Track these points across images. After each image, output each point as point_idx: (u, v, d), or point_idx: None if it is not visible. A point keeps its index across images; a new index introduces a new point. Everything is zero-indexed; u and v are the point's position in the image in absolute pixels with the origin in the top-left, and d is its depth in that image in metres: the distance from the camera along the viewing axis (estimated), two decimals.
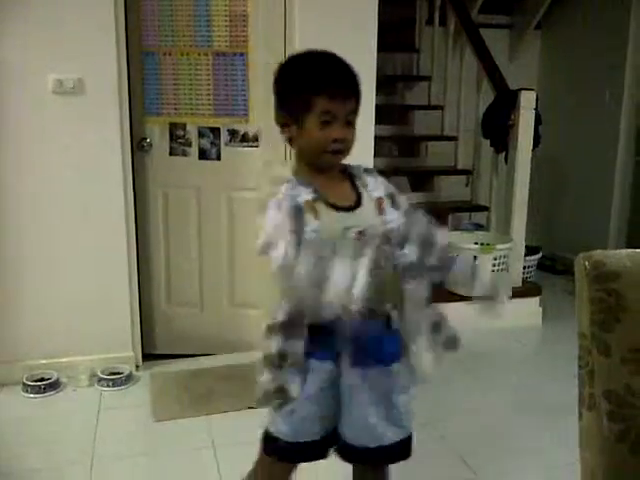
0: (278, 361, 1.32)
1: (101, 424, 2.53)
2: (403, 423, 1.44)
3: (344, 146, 1.33)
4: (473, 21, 4.40)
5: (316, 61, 1.38)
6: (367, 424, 1.39)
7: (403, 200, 1.41)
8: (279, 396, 1.34)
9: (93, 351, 2.89)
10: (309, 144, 1.33)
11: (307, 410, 1.36)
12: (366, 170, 1.42)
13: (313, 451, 1.43)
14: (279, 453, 1.43)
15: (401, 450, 1.45)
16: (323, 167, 1.36)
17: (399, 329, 1.42)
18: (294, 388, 1.33)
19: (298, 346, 1.31)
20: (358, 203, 1.36)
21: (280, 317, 1.33)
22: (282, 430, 1.39)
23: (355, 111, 1.34)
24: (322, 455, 1.45)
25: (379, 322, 1.37)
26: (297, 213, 1.28)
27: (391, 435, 1.41)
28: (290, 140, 1.37)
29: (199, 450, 2.33)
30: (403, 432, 1.45)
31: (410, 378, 1.45)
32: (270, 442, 1.43)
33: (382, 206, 1.36)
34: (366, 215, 1.35)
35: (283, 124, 1.37)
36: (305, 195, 1.30)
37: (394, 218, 1.37)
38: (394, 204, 1.39)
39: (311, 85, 1.31)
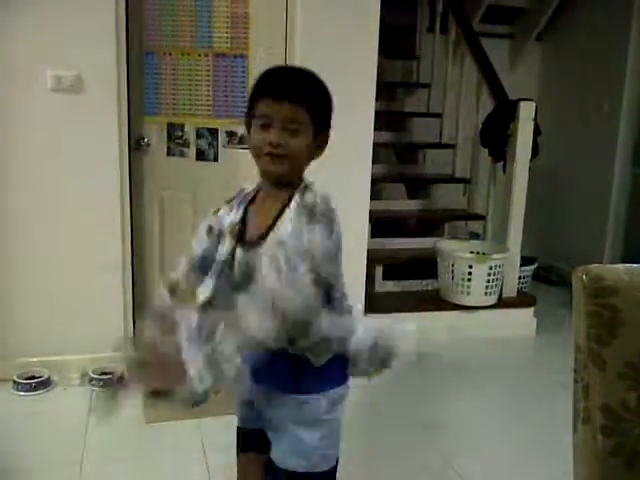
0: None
1: (92, 424, 2.51)
2: (311, 458, 1.35)
3: (280, 151, 1.28)
4: (474, 30, 4.40)
5: (272, 70, 1.38)
6: (275, 444, 1.39)
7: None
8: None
9: (85, 350, 2.87)
10: (252, 148, 1.33)
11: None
12: (301, 204, 1.28)
13: (253, 440, 1.47)
14: (237, 440, 1.54)
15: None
16: (265, 175, 1.34)
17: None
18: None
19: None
20: (264, 236, 1.29)
21: None
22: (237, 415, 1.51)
23: (299, 120, 1.29)
24: (265, 448, 1.42)
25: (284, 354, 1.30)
26: (207, 234, 1.40)
27: (294, 464, 1.35)
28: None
29: (189, 452, 2.33)
30: (308, 466, 1.35)
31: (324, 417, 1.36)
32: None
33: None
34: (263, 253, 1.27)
35: (246, 128, 1.38)
36: (231, 218, 1.37)
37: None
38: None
39: (255, 89, 1.34)
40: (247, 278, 1.28)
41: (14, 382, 2.75)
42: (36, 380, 2.76)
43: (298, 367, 1.33)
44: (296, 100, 1.29)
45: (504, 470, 2.33)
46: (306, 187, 1.32)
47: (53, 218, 2.80)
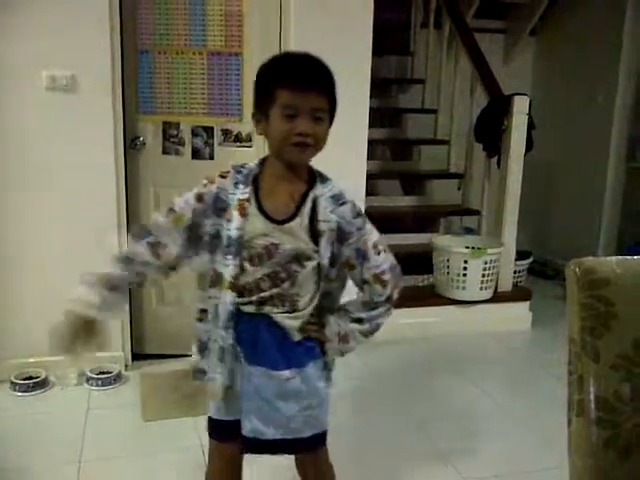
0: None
1: (89, 424, 2.52)
2: (289, 426, 1.43)
3: (310, 140, 1.32)
4: (468, 25, 4.41)
5: (287, 58, 1.42)
6: (248, 417, 1.44)
7: (350, 251, 1.41)
8: (199, 376, 1.49)
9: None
10: (275, 138, 1.34)
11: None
12: (334, 197, 1.39)
13: (228, 430, 1.50)
14: (209, 430, 1.57)
15: (283, 447, 1.47)
16: (291, 163, 1.37)
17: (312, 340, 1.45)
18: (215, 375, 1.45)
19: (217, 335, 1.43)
20: (291, 218, 1.37)
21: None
22: (210, 407, 1.55)
23: (323, 109, 1.34)
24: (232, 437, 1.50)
25: (274, 329, 1.41)
26: (214, 204, 1.39)
27: (268, 432, 1.43)
28: (264, 134, 1.40)
29: (188, 450, 2.33)
30: (286, 433, 1.43)
31: (309, 389, 1.44)
32: (207, 422, 1.58)
33: (319, 237, 1.37)
34: (291, 233, 1.36)
35: (256, 119, 1.40)
36: (240, 194, 1.38)
37: (325, 254, 1.38)
38: (337, 242, 1.39)
39: (275, 78, 1.34)
40: (295, 257, 1.37)
41: (11, 383, 2.75)
42: (33, 380, 2.77)
43: (284, 344, 1.40)
44: (321, 89, 1.34)
45: (500, 463, 2.34)
46: (320, 176, 1.42)
47: (48, 218, 2.79)
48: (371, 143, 3.19)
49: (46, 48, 2.67)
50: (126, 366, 2.99)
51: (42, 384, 2.78)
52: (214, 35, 2.94)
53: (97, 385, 2.81)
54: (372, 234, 1.42)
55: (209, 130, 3.01)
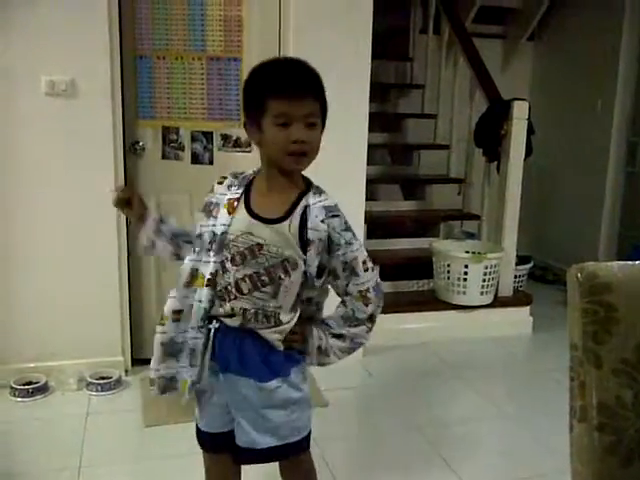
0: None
1: (89, 429, 2.51)
2: (279, 433, 1.45)
3: (306, 147, 1.32)
4: (467, 30, 4.42)
5: (273, 66, 1.40)
6: (241, 428, 1.45)
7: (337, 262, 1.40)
8: (170, 386, 1.50)
9: (82, 355, 2.88)
10: (271, 147, 1.34)
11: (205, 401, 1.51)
12: (327, 207, 1.38)
13: (226, 440, 1.51)
14: (199, 442, 1.59)
15: (274, 454, 1.49)
16: (286, 171, 1.37)
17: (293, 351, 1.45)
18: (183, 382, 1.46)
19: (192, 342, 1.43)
20: (281, 220, 1.36)
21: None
22: (198, 419, 1.57)
23: (315, 114, 1.33)
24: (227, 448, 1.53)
25: (259, 341, 1.41)
26: (207, 208, 1.45)
27: (263, 442, 1.45)
28: (258, 145, 1.40)
29: (189, 456, 2.31)
30: (277, 440, 1.46)
31: (294, 395, 1.45)
32: (196, 433, 1.59)
33: (308, 245, 1.36)
34: (280, 235, 1.36)
35: (248, 129, 1.40)
36: (230, 195, 1.41)
37: (313, 264, 1.37)
38: (325, 253, 1.38)
39: (264, 88, 1.33)
40: (281, 262, 1.36)
41: (11, 388, 2.74)
42: (33, 386, 2.76)
43: (269, 355, 1.41)
44: (312, 94, 1.33)
45: (501, 468, 2.34)
46: (316, 187, 1.42)
47: (49, 223, 2.79)
48: (371, 148, 3.18)
49: (45, 53, 2.67)
50: (126, 371, 2.98)
51: (42, 389, 2.77)
52: (213, 40, 2.95)
53: (97, 390, 2.80)
54: (361, 250, 1.42)
55: (208, 135, 3.01)
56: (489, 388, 3.03)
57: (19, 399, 2.72)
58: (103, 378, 2.84)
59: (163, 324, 1.45)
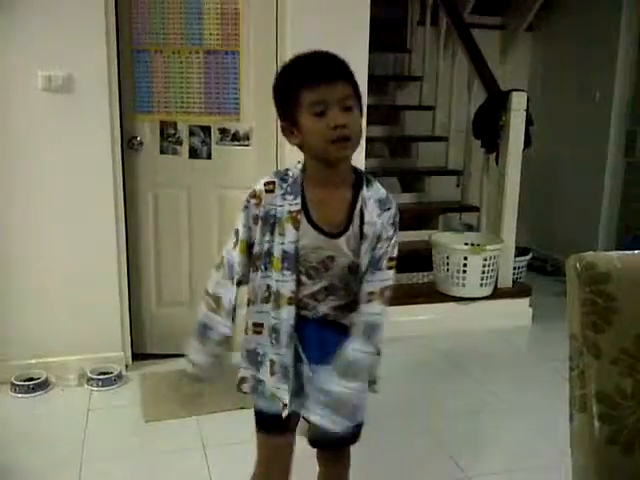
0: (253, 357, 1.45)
1: (90, 424, 2.51)
2: (355, 417, 1.45)
3: (347, 132, 1.28)
4: (465, 22, 4.40)
5: (299, 60, 1.35)
6: (320, 413, 1.41)
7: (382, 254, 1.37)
8: (253, 386, 1.46)
9: (82, 351, 2.88)
10: (313, 139, 1.29)
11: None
12: (380, 201, 1.37)
13: (294, 421, 1.48)
14: (259, 425, 1.51)
15: (350, 437, 1.50)
16: (334, 162, 1.32)
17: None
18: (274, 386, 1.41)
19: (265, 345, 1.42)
20: (344, 231, 1.35)
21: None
22: (258, 402, 1.48)
23: (350, 96, 1.30)
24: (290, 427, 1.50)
25: (340, 329, 1.41)
26: (266, 222, 1.36)
27: (340, 422, 1.40)
28: (300, 146, 1.35)
29: (189, 451, 2.32)
30: (351, 419, 1.43)
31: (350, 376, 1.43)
32: (255, 415, 1.52)
33: (362, 239, 1.35)
34: (345, 244, 1.35)
35: (287, 131, 1.34)
36: (289, 206, 1.34)
37: (365, 257, 1.36)
38: (375, 248, 1.37)
39: (294, 82, 1.30)
40: (349, 268, 1.36)
41: (12, 384, 2.74)
42: (34, 382, 2.76)
43: (344, 339, 1.38)
44: (344, 79, 1.30)
45: (502, 459, 2.34)
46: (364, 176, 1.38)
47: (46, 218, 2.78)
48: (369, 140, 3.18)
49: (41, 48, 2.66)
50: (126, 366, 2.99)
51: (43, 385, 2.77)
52: (211, 33, 2.93)
53: (98, 386, 2.80)
54: (396, 247, 1.40)
55: (206, 129, 3.00)
56: (489, 379, 3.03)
57: (20, 395, 2.72)
58: (103, 373, 2.84)
59: (247, 334, 1.46)
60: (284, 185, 1.36)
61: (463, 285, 3.62)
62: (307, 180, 1.37)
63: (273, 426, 1.49)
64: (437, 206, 4.48)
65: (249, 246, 1.41)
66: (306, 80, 1.28)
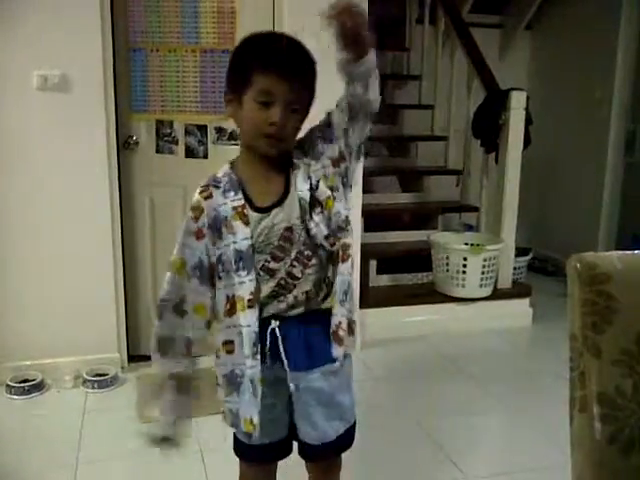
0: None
1: (86, 426, 2.50)
2: (345, 417, 1.42)
3: (281, 133, 1.25)
4: (463, 20, 4.38)
5: (265, 39, 1.31)
6: (311, 424, 1.39)
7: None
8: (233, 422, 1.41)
9: (78, 352, 2.86)
10: (247, 125, 1.28)
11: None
12: (299, 150, 1.33)
13: (277, 449, 1.46)
14: (239, 453, 1.50)
15: (341, 443, 1.44)
16: (263, 155, 1.30)
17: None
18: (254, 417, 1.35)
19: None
20: (281, 201, 1.30)
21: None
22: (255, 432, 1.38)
23: (301, 100, 1.27)
24: (282, 454, 1.48)
25: (324, 319, 1.35)
26: (214, 227, 1.31)
27: (332, 430, 1.40)
28: (234, 119, 1.32)
29: (186, 452, 2.30)
30: (344, 424, 1.42)
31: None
32: (236, 444, 1.50)
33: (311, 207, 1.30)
34: (292, 206, 1.30)
35: (228, 100, 1.32)
36: (231, 202, 1.30)
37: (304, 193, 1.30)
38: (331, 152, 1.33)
39: (253, 60, 1.25)
40: (307, 232, 1.30)
41: (7, 386, 2.73)
42: (29, 383, 2.74)
43: (328, 331, 1.34)
44: (302, 79, 1.26)
45: (501, 460, 2.33)
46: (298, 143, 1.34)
47: (43, 220, 2.77)
48: (368, 140, 3.16)
49: (37, 47, 2.65)
50: (122, 368, 2.97)
51: (38, 387, 2.76)
52: (207, 32, 2.92)
53: (93, 387, 2.79)
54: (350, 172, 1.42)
55: (203, 128, 2.99)
56: (489, 380, 3.01)
57: (15, 397, 2.71)
58: (99, 375, 2.83)
59: (219, 357, 1.38)
60: (220, 185, 1.33)
61: (463, 285, 3.60)
62: (241, 168, 1.34)
63: (253, 457, 1.48)
64: (436, 206, 4.46)
65: (185, 264, 1.33)
66: (266, 64, 1.23)
